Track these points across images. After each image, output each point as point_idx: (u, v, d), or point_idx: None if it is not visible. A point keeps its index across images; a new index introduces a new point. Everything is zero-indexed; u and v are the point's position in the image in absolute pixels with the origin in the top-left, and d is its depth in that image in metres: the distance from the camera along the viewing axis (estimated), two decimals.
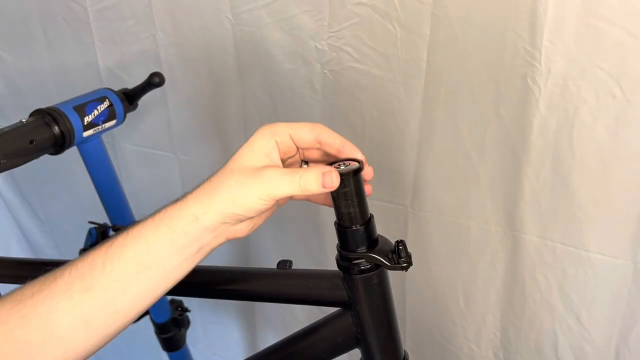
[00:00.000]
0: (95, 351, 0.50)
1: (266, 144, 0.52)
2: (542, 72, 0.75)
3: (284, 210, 1.13)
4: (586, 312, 0.86)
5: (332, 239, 0.60)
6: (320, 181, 0.49)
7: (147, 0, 1.05)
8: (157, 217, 0.51)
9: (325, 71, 0.94)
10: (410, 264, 0.56)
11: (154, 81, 0.92)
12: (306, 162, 0.56)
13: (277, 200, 0.51)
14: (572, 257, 0.84)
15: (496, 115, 0.82)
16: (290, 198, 0.53)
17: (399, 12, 0.83)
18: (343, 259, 0.58)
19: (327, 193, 0.53)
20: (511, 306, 0.93)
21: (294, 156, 0.56)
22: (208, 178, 0.51)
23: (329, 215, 0.62)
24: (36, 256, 1.57)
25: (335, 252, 0.61)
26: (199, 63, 1.06)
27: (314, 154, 0.56)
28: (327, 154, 0.56)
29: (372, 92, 0.91)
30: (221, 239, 0.52)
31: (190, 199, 0.51)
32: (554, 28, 0.73)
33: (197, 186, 0.52)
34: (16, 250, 1.55)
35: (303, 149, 0.55)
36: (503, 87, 0.79)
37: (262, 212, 0.51)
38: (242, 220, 0.52)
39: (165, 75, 0.94)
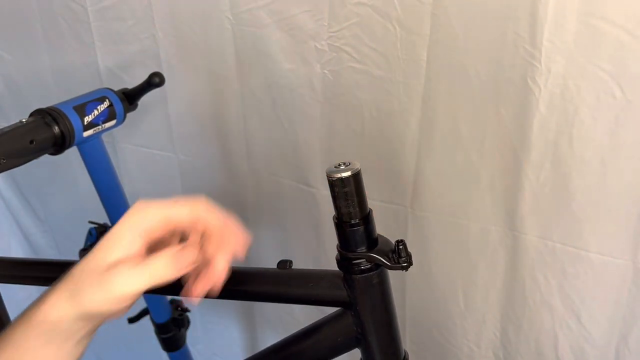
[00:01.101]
0: None
1: (127, 233, 0.46)
2: (542, 72, 0.75)
3: (284, 210, 1.13)
4: (586, 312, 0.86)
5: (332, 239, 0.60)
6: (174, 265, 0.45)
7: (147, 0, 1.05)
8: (26, 323, 0.47)
9: (325, 71, 0.94)
10: (410, 263, 0.56)
11: (154, 81, 0.93)
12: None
13: (135, 299, 0.46)
14: (572, 257, 0.84)
15: (496, 115, 0.82)
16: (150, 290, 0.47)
17: (399, 12, 0.83)
18: (343, 259, 0.58)
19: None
20: (511, 306, 0.93)
21: (176, 237, 0.50)
22: (71, 270, 0.48)
23: (329, 216, 0.62)
24: (36, 256, 1.57)
25: (335, 252, 0.61)
26: (199, 63, 1.06)
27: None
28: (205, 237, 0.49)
29: (372, 92, 0.91)
30: (98, 325, 0.48)
31: (55, 299, 0.46)
32: (554, 28, 0.72)
33: (60, 279, 0.48)
34: (16, 250, 1.55)
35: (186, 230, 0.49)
36: (503, 87, 0.79)
37: (127, 308, 0.47)
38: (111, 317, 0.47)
39: (165, 75, 0.94)
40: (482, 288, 0.95)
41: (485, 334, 0.98)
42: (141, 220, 0.47)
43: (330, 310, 0.64)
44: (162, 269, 0.45)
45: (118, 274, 0.44)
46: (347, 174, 0.53)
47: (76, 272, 0.47)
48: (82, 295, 0.45)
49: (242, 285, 0.67)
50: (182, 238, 0.51)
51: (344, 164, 0.54)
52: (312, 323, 0.65)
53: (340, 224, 0.56)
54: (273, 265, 0.66)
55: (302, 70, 0.96)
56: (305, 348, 0.65)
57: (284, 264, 0.65)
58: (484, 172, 0.86)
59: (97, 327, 0.48)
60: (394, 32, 0.84)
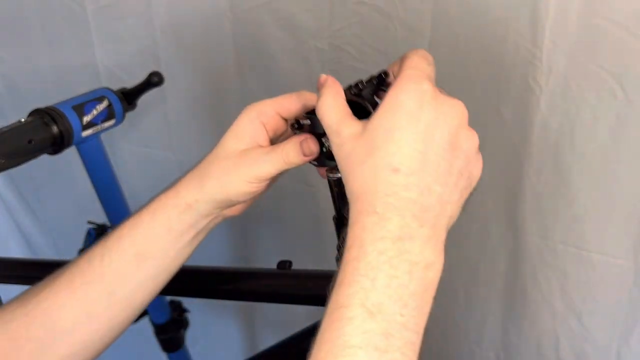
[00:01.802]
0: (105, 347, 0.50)
1: (250, 126, 0.51)
2: (544, 72, 0.75)
3: (284, 210, 1.13)
4: (587, 313, 0.85)
5: (332, 239, 0.59)
6: (299, 151, 0.49)
7: (146, 0, 1.04)
8: (152, 207, 0.51)
9: (325, 70, 0.93)
10: None
11: (153, 80, 0.92)
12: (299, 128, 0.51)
13: (269, 180, 0.50)
14: (573, 257, 0.83)
15: (497, 115, 0.81)
16: (282, 172, 0.51)
17: (400, 11, 0.82)
18: None
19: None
20: (512, 307, 0.92)
21: (286, 131, 0.54)
22: (197, 163, 0.51)
23: (329, 215, 0.62)
24: (35, 256, 1.57)
25: (335, 252, 0.60)
26: (198, 62, 1.06)
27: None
28: None
29: None
30: (217, 221, 0.53)
31: (182, 187, 0.50)
32: (555, 27, 0.72)
33: (188, 171, 0.51)
34: (15, 250, 1.54)
35: None
36: (504, 86, 0.79)
37: (255, 194, 0.51)
38: (236, 204, 0.51)
39: (164, 74, 0.94)
40: (482, 288, 0.94)
41: (486, 334, 0.98)
42: (258, 114, 0.51)
43: None
44: (293, 154, 0.48)
45: (253, 158, 0.49)
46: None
47: (205, 163, 0.50)
48: (217, 180, 0.48)
49: (242, 285, 0.67)
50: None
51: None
52: (313, 323, 0.65)
53: (341, 223, 0.56)
54: (273, 265, 0.66)
55: (303, 69, 0.95)
56: (305, 348, 0.65)
57: (284, 264, 0.65)
58: (485, 171, 0.86)
59: (210, 230, 0.52)
60: (394, 32, 0.84)
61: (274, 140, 0.52)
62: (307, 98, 0.52)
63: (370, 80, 0.49)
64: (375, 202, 0.38)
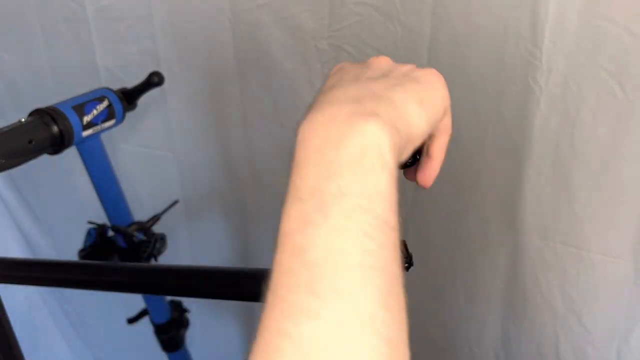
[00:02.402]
0: None
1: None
2: (543, 72, 0.75)
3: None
4: (587, 313, 0.85)
5: None
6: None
7: (146, 0, 1.04)
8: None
9: (325, 70, 0.93)
10: (411, 264, 0.56)
11: (154, 80, 0.92)
12: None
13: None
14: (573, 257, 0.83)
15: (497, 115, 0.81)
16: None
17: (400, 11, 0.82)
18: None
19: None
20: (512, 306, 0.92)
21: None
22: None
23: None
24: (35, 256, 1.57)
25: None
26: (198, 62, 1.06)
27: None
28: None
29: None
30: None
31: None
32: (555, 27, 0.72)
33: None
34: (15, 250, 1.54)
35: None
36: (504, 86, 0.79)
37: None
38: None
39: (165, 74, 0.94)
40: (482, 288, 0.94)
41: (486, 335, 0.98)
42: None
43: None
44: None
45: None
46: None
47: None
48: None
49: (244, 285, 0.67)
50: None
51: None
52: None
53: None
54: None
55: (303, 69, 0.95)
56: None
57: None
58: (485, 171, 0.86)
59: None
60: (394, 32, 0.84)
61: None
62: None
63: None
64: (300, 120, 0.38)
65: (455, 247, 0.94)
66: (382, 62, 0.43)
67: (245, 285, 0.67)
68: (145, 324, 1.16)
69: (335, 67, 0.44)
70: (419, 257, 0.80)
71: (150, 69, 0.95)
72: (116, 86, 0.93)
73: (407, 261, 0.55)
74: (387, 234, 0.33)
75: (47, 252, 1.55)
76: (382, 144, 0.34)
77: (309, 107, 0.39)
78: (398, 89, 0.38)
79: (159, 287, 0.82)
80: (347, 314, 0.29)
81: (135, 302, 1.15)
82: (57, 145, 0.80)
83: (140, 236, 0.98)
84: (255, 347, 0.31)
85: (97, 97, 0.87)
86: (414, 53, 0.84)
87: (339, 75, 0.42)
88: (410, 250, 0.56)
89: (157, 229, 1.02)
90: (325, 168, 0.33)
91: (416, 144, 0.40)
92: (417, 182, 0.45)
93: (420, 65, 0.82)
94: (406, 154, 0.39)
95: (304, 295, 0.30)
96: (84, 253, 0.98)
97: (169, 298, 1.17)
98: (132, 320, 1.15)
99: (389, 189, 0.35)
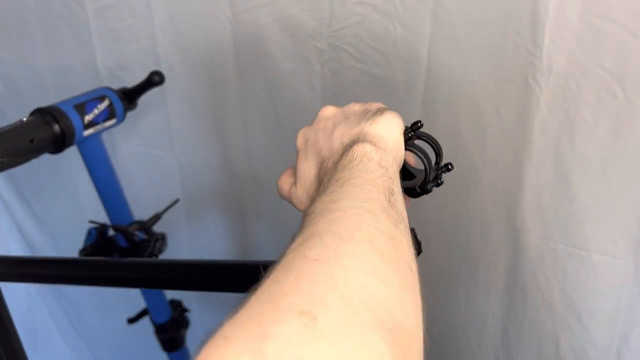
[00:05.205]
0: None
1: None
2: (544, 72, 0.75)
3: (284, 210, 1.13)
4: (587, 313, 0.85)
5: None
6: None
7: (146, 0, 1.04)
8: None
9: (325, 70, 0.93)
10: (420, 251, 0.56)
11: (154, 80, 0.92)
12: None
13: None
14: (573, 257, 0.84)
15: (497, 115, 0.81)
16: None
17: (400, 11, 0.82)
18: None
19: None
20: (512, 307, 0.92)
21: None
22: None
23: None
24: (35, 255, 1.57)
25: None
26: (198, 62, 1.06)
27: None
28: None
29: (372, 92, 0.90)
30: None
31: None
32: (555, 27, 0.72)
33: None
34: (15, 249, 1.54)
35: None
36: (504, 86, 0.79)
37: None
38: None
39: (165, 74, 0.94)
40: (482, 288, 0.94)
41: (486, 335, 0.98)
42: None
43: None
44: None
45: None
46: None
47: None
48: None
49: (249, 278, 0.67)
50: None
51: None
52: None
53: None
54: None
55: (302, 69, 0.95)
56: None
57: None
58: (485, 171, 0.86)
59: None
60: (394, 32, 0.84)
61: None
62: None
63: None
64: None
65: (455, 247, 0.94)
66: (327, 112, 0.57)
67: (252, 279, 0.67)
68: (145, 324, 1.16)
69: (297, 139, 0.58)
70: (418, 257, 0.80)
71: (150, 69, 0.95)
72: (116, 86, 0.93)
73: (417, 248, 0.56)
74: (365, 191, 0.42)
75: (48, 251, 1.55)
76: (368, 151, 0.47)
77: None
78: (363, 120, 0.51)
79: (159, 282, 0.82)
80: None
81: (135, 301, 1.15)
82: (58, 144, 0.80)
83: (140, 235, 0.98)
84: (283, 267, 0.34)
85: (97, 96, 0.87)
86: (414, 53, 0.84)
87: (306, 145, 0.56)
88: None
89: (157, 228, 1.02)
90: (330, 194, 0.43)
91: None
92: None
93: (421, 64, 0.82)
94: None
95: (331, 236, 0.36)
96: (85, 252, 0.98)
97: (169, 297, 1.17)
98: (132, 320, 1.15)
99: (381, 177, 0.44)
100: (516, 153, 0.82)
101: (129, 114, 0.94)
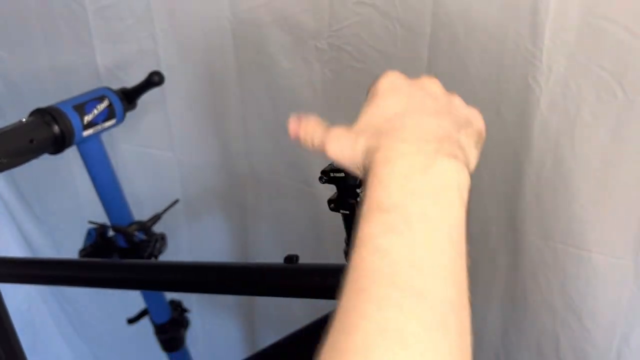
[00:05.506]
0: None
1: None
2: (544, 71, 0.75)
3: (284, 210, 1.13)
4: (587, 313, 0.85)
5: (332, 239, 0.60)
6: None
7: (146, 0, 1.04)
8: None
9: (325, 70, 0.93)
10: None
11: (154, 80, 0.92)
12: None
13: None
14: (573, 257, 0.83)
15: (497, 115, 0.81)
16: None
17: (400, 11, 0.82)
18: None
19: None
20: (512, 307, 0.92)
21: None
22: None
23: (329, 215, 0.62)
24: (35, 256, 1.57)
25: (336, 252, 0.60)
26: (198, 62, 1.06)
27: None
28: None
29: None
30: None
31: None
32: (555, 27, 0.72)
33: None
34: (15, 250, 1.54)
35: None
36: (504, 86, 0.79)
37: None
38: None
39: (165, 74, 0.94)
40: (482, 288, 0.94)
41: (486, 335, 0.98)
42: None
43: (331, 307, 0.64)
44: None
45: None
46: None
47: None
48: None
49: (249, 280, 0.67)
50: None
51: None
52: (319, 317, 0.65)
53: (350, 215, 0.57)
54: (273, 260, 0.66)
55: (302, 69, 0.95)
56: (312, 343, 0.65)
57: (291, 259, 0.65)
58: (485, 171, 0.86)
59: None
60: (394, 31, 0.84)
61: None
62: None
63: None
64: (379, 142, 0.41)
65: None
66: (436, 88, 0.47)
67: (252, 280, 0.67)
68: (145, 324, 1.16)
69: (385, 80, 0.47)
70: None
71: (150, 69, 0.95)
72: (116, 86, 0.93)
73: None
74: (461, 256, 0.38)
75: (47, 252, 1.55)
76: (462, 182, 0.40)
77: (377, 125, 0.42)
78: (463, 132, 0.43)
79: (159, 284, 0.82)
80: (425, 310, 0.33)
81: (135, 302, 1.15)
82: (58, 144, 0.80)
83: (140, 236, 0.98)
84: (336, 326, 0.33)
85: (97, 96, 0.87)
86: (414, 53, 0.84)
87: (398, 97, 0.45)
88: None
89: (157, 228, 1.02)
90: (410, 190, 0.37)
91: None
92: None
93: (421, 65, 0.82)
94: None
95: (387, 287, 0.33)
96: (85, 253, 0.98)
97: (169, 298, 1.17)
98: (132, 321, 1.15)
99: (463, 223, 0.40)
100: (516, 153, 0.82)
101: (129, 114, 0.94)
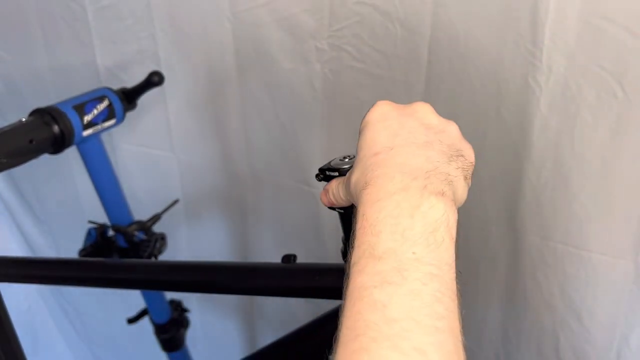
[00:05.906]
0: None
1: None
2: (543, 72, 0.75)
3: (284, 210, 1.13)
4: (587, 313, 0.85)
5: (332, 239, 0.59)
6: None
7: (146, 0, 1.04)
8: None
9: (325, 70, 0.93)
10: None
11: (154, 80, 0.92)
12: None
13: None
14: (572, 257, 0.83)
15: (497, 115, 0.81)
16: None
17: (400, 11, 0.82)
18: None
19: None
20: (512, 307, 0.92)
21: None
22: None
23: (329, 215, 0.62)
24: (35, 256, 1.57)
25: (336, 251, 0.60)
26: (198, 62, 1.06)
27: None
28: None
29: (372, 92, 0.90)
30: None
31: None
32: (555, 27, 0.72)
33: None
34: (15, 250, 1.54)
35: None
36: (504, 86, 0.79)
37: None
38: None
39: (165, 74, 0.94)
40: (482, 288, 0.94)
41: (486, 335, 0.98)
42: None
43: (330, 306, 0.64)
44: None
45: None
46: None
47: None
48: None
49: (248, 280, 0.67)
50: None
51: (349, 157, 0.54)
52: (318, 316, 0.65)
53: (347, 214, 0.57)
54: (272, 260, 0.66)
55: (302, 69, 0.95)
56: (311, 342, 0.65)
57: (288, 258, 0.65)
58: (485, 171, 0.86)
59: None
60: (394, 31, 0.84)
61: None
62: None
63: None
64: (366, 178, 0.42)
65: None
66: (428, 115, 0.47)
67: (251, 280, 0.67)
68: (145, 324, 1.16)
69: (375, 111, 0.48)
70: None
71: (150, 69, 0.95)
72: (116, 86, 0.93)
73: None
74: (453, 300, 0.38)
75: (47, 252, 1.55)
76: (450, 220, 0.40)
77: (366, 160, 0.43)
78: (453, 164, 0.43)
79: (159, 283, 0.82)
80: None
81: (135, 301, 1.15)
82: (58, 144, 0.80)
83: (140, 236, 0.98)
84: None
85: (97, 96, 0.87)
86: (414, 53, 0.84)
87: (388, 129, 0.45)
88: None
89: (157, 228, 1.02)
90: (401, 234, 0.38)
91: None
92: None
93: (421, 64, 0.82)
94: None
95: (387, 349, 0.33)
96: (85, 253, 0.98)
97: (169, 298, 1.17)
98: (132, 320, 1.15)
99: (453, 260, 0.40)
100: (516, 153, 0.82)
101: (129, 114, 0.94)
